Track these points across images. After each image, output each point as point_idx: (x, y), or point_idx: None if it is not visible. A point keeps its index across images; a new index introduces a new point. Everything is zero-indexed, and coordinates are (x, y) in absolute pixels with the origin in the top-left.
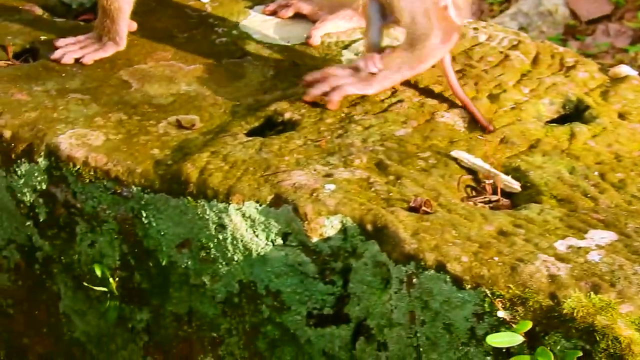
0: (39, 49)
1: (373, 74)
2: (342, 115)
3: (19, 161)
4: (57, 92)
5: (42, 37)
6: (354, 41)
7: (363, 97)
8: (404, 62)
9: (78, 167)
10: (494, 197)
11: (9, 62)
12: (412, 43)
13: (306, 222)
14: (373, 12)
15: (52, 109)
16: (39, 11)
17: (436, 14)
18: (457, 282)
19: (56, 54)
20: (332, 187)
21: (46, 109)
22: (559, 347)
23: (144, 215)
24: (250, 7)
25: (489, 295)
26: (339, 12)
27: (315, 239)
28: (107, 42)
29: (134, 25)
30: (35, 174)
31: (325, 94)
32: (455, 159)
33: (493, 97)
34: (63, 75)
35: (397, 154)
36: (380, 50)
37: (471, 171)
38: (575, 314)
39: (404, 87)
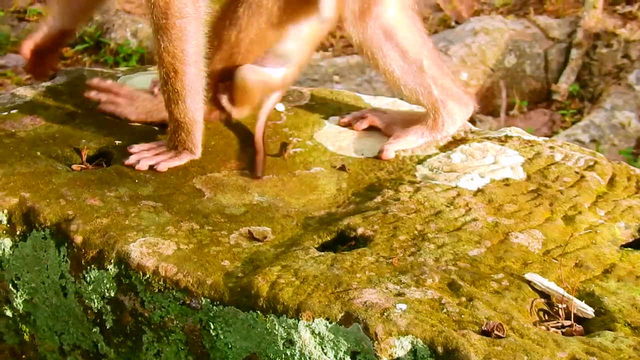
0: (113, 153)
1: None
2: (415, 232)
3: (88, 267)
4: (129, 199)
5: (117, 142)
6: (429, 156)
7: (437, 215)
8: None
9: (148, 276)
10: (567, 323)
11: (83, 166)
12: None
13: (376, 341)
14: None
15: (124, 215)
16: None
17: None
18: None
19: (130, 160)
20: (404, 306)
21: (118, 216)
22: None
23: (212, 327)
24: (325, 118)
25: None
26: (411, 128)
27: (384, 359)
28: (182, 151)
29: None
30: (105, 281)
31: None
32: (528, 282)
33: (568, 219)
34: (136, 181)
35: (470, 274)
36: None
37: (544, 295)
38: None
39: (478, 205)
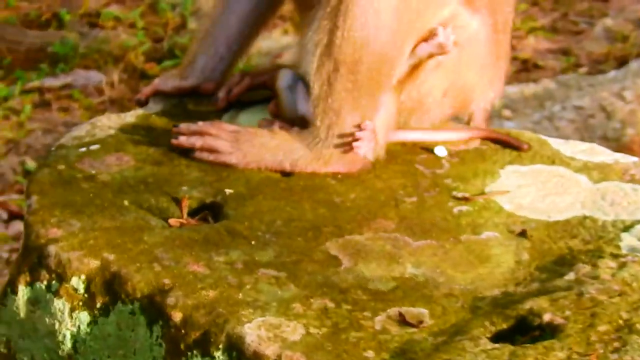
0: (223, 205)
1: (257, 145)
2: (620, 322)
3: (189, 353)
4: (244, 266)
5: (227, 191)
6: (638, 221)
7: None
8: (301, 154)
9: None
10: None
11: (183, 221)
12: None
13: None
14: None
15: (236, 287)
16: None
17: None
18: None
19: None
20: None
21: (229, 288)
22: None
23: None
24: (501, 167)
25: None
26: None
27: None
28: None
29: None
30: None
31: (194, 149)
32: None
33: None
34: (252, 243)
35: None
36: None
37: None
38: None
39: None
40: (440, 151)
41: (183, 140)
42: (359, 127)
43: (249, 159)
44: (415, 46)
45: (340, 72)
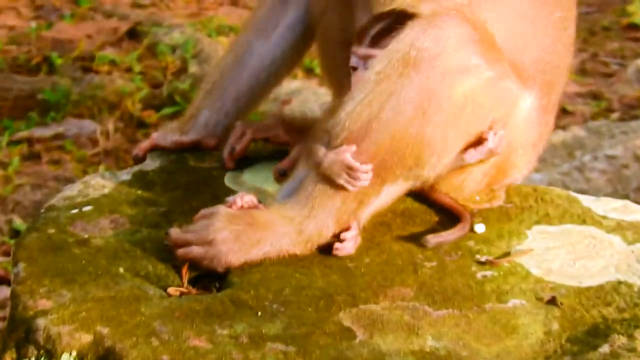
0: (227, 272)
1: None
2: None
3: None
4: (249, 339)
5: None
6: None
7: None
8: (288, 239)
9: None
10: None
11: (183, 290)
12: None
13: None
14: None
15: None
16: None
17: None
18: None
19: None
20: None
21: None
22: None
23: None
24: (528, 228)
25: None
26: None
27: None
28: None
29: None
30: None
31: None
32: None
33: None
34: (259, 314)
35: None
36: None
37: None
38: None
39: None
40: (480, 228)
41: (182, 252)
42: (346, 226)
43: (231, 257)
44: (464, 150)
45: (363, 155)
